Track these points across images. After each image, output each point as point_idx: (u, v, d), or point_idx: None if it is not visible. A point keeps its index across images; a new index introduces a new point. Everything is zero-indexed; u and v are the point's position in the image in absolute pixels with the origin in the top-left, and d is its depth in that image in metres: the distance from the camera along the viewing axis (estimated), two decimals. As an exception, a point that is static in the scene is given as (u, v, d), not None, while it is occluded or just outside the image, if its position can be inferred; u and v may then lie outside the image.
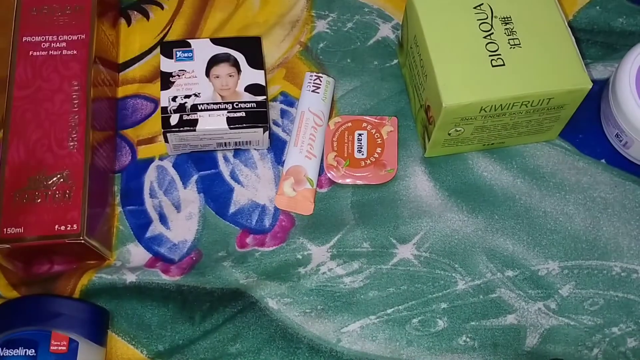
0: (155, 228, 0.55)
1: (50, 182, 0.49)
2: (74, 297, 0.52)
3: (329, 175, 0.56)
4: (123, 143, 0.58)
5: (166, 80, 0.54)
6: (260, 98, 0.54)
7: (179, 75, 0.55)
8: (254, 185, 0.56)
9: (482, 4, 0.53)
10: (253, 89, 0.55)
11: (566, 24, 0.52)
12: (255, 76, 0.55)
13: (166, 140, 0.54)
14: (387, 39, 0.62)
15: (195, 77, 0.55)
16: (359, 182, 0.56)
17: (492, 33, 0.52)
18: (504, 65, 0.50)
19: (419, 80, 0.54)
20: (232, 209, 0.55)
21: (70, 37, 0.53)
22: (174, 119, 0.53)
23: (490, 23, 0.52)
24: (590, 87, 0.50)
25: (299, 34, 0.62)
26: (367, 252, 0.54)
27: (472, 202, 0.56)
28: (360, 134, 0.57)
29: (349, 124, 0.57)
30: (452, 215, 0.55)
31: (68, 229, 0.47)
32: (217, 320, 0.52)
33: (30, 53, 0.52)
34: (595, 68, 0.60)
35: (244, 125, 0.53)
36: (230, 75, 0.55)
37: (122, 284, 0.52)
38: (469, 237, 0.54)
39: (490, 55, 0.51)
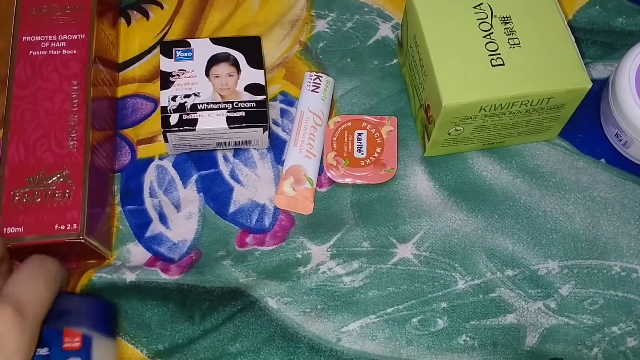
0: (155, 227, 0.55)
1: (49, 182, 0.49)
2: (82, 293, 0.51)
3: (328, 174, 0.56)
4: (123, 143, 0.58)
5: (166, 80, 0.54)
6: (260, 98, 0.54)
7: (178, 75, 0.55)
8: (253, 185, 0.56)
9: (481, 3, 0.53)
10: (253, 88, 0.55)
11: (566, 23, 0.52)
12: (255, 76, 0.55)
13: (166, 140, 0.54)
14: (387, 39, 0.61)
15: (195, 76, 0.55)
16: (358, 181, 0.56)
17: (492, 32, 0.52)
18: (503, 64, 0.50)
19: (419, 79, 0.54)
20: (231, 209, 0.55)
21: (70, 37, 0.53)
22: (174, 119, 0.53)
23: (490, 22, 0.52)
24: (590, 86, 0.50)
25: (299, 34, 0.62)
26: (366, 252, 0.54)
27: (472, 201, 0.56)
28: (360, 134, 0.57)
29: (349, 124, 0.57)
30: (452, 214, 0.55)
31: (68, 228, 0.47)
32: (216, 319, 0.52)
33: (30, 52, 0.52)
34: (595, 68, 0.60)
35: (244, 124, 0.53)
36: (230, 75, 0.55)
37: (122, 283, 0.52)
38: (469, 237, 0.54)
39: (489, 55, 0.51)
